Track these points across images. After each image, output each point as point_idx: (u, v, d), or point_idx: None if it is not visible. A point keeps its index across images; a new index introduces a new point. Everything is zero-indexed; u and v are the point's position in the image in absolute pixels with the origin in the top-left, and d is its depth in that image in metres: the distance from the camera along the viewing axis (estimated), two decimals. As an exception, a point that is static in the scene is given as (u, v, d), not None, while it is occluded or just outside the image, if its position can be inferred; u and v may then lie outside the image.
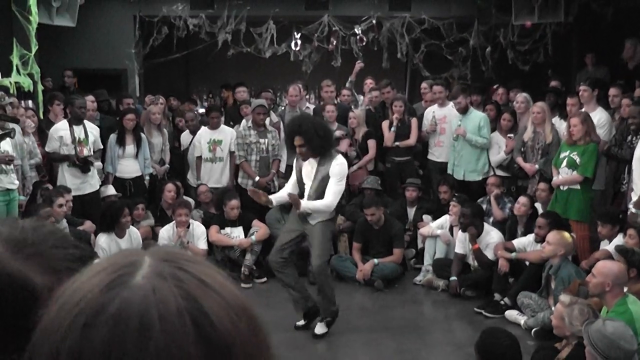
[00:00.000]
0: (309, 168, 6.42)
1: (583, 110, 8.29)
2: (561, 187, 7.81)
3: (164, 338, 0.69)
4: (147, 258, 0.77)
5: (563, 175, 7.78)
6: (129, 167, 9.03)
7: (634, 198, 7.17)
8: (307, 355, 6.18)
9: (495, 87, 10.98)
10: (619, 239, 6.94)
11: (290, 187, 6.65)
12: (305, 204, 6.28)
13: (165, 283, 0.73)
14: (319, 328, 6.57)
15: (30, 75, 8.99)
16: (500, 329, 4.45)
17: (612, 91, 8.76)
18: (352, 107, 10.26)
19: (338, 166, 6.32)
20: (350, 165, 9.50)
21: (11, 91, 8.50)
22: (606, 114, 8.48)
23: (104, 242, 7.34)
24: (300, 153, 6.39)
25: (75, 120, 8.26)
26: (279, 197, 6.71)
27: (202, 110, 12.06)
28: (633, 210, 7.08)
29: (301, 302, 6.69)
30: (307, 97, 11.19)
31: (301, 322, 6.76)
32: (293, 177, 6.69)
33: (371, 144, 9.52)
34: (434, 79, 11.00)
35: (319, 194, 6.32)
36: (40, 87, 9.26)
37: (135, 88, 12.09)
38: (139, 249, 0.82)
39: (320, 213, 6.33)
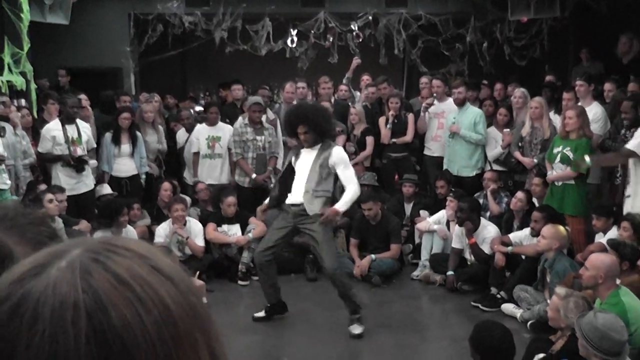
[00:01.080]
0: (307, 157, 6.44)
1: (579, 104, 8.31)
2: (556, 183, 7.82)
3: (52, 330, 0.68)
4: (76, 249, 0.76)
5: (557, 170, 7.79)
6: (125, 166, 9.01)
7: (628, 190, 7.21)
8: (304, 352, 6.18)
9: (484, 82, 11.01)
10: (613, 232, 6.96)
11: (277, 187, 6.69)
12: (340, 205, 6.28)
13: (71, 275, 0.72)
14: (356, 329, 6.46)
15: (23, 74, 8.95)
16: (493, 321, 4.46)
17: (607, 86, 8.82)
18: (350, 103, 10.27)
19: (339, 154, 6.40)
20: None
21: (3, 90, 8.45)
22: (601, 109, 8.51)
23: None
24: (304, 140, 6.41)
25: (67, 119, 8.22)
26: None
27: (199, 108, 12.08)
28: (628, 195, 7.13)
29: (271, 298, 6.85)
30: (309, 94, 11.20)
31: (261, 314, 6.88)
32: (275, 182, 6.73)
33: (369, 140, 9.53)
34: (432, 74, 11.03)
35: (317, 181, 6.34)
36: (33, 86, 9.23)
37: (130, 86, 12.07)
38: (82, 239, 0.81)
39: (347, 203, 6.33)
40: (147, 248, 0.80)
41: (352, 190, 6.32)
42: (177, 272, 0.79)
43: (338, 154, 6.38)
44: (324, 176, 6.37)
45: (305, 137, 6.38)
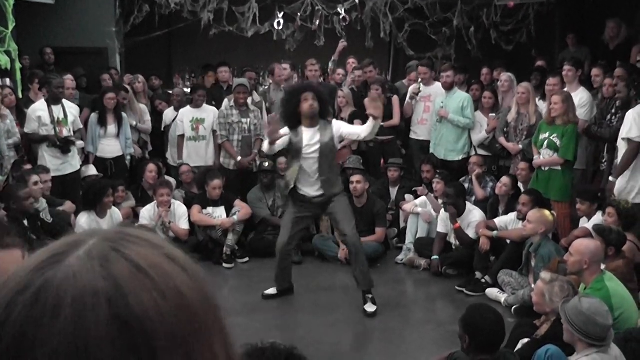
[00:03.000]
0: (310, 141, 6.44)
1: (565, 89, 8.31)
2: (542, 168, 7.84)
3: (74, 317, 0.69)
4: (93, 238, 0.78)
5: (544, 156, 7.81)
6: (110, 147, 8.97)
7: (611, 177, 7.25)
8: (288, 335, 6.18)
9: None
10: (598, 218, 7.00)
11: (281, 142, 6.55)
12: (367, 134, 6.38)
13: (91, 263, 0.74)
14: (370, 307, 6.61)
15: (8, 53, 8.85)
16: (487, 305, 4.48)
17: (595, 71, 8.82)
18: (342, 86, 10.24)
19: (336, 123, 6.76)
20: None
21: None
22: (588, 94, 8.52)
23: (84, 222, 7.25)
24: (310, 107, 6.36)
25: (53, 100, 8.15)
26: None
27: (185, 90, 12.01)
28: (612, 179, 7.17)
29: (284, 282, 7.05)
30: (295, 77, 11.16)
31: (272, 291, 7.07)
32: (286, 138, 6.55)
33: (356, 123, 9.47)
34: (419, 59, 11.00)
35: (329, 166, 6.51)
36: (18, 65, 9.13)
37: (116, 67, 11.98)
38: (96, 229, 0.83)
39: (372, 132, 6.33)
40: (159, 238, 0.83)
41: (365, 127, 6.41)
42: (190, 263, 0.82)
43: (336, 123, 6.67)
44: (332, 158, 6.57)
45: (312, 105, 6.36)
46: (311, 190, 6.54)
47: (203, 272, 0.84)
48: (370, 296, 6.67)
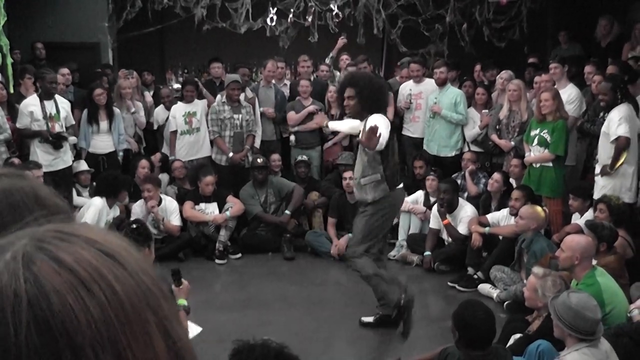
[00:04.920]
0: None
1: (554, 86, 8.36)
2: (534, 165, 7.86)
3: None
4: (23, 239, 0.76)
5: (535, 153, 7.83)
6: (102, 142, 8.94)
7: (597, 170, 7.28)
8: (280, 331, 6.17)
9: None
10: (589, 214, 7.04)
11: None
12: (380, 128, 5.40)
13: (14, 265, 0.72)
14: (366, 318, 6.27)
15: (-1, 47, 8.84)
16: (478, 301, 4.49)
17: (587, 68, 8.90)
18: (330, 82, 10.23)
19: (372, 120, 5.58)
20: (325, 140, 9.54)
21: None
22: (576, 90, 8.58)
23: (99, 202, 7.57)
24: (347, 106, 5.90)
25: (46, 95, 8.13)
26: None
27: (177, 86, 11.99)
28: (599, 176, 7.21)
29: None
30: (287, 73, 11.14)
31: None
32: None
33: (346, 119, 9.49)
34: (412, 55, 11.00)
35: (362, 169, 5.84)
36: (9, 60, 9.09)
37: (109, 62, 11.94)
38: (30, 230, 0.79)
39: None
40: (97, 231, 0.79)
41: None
42: (127, 253, 0.78)
43: (369, 122, 5.54)
44: (368, 160, 5.80)
45: (348, 103, 5.84)
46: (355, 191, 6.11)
47: (146, 261, 0.81)
48: (379, 313, 6.20)
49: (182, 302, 4.50)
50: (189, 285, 4.39)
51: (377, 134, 5.29)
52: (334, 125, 6.92)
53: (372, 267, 6.00)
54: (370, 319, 6.28)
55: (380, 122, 5.49)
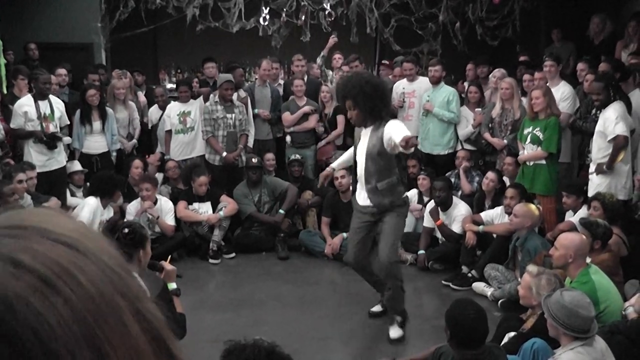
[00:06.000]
0: (362, 143, 5.73)
1: (547, 84, 8.37)
2: (527, 163, 7.87)
3: None
4: None
5: (528, 151, 7.84)
6: (96, 143, 8.94)
7: (592, 168, 7.28)
8: (275, 331, 6.16)
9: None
10: (583, 211, 7.04)
11: (346, 156, 6.20)
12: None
13: None
14: (394, 332, 5.97)
15: (-8, 48, 8.82)
16: (469, 300, 4.47)
17: (580, 66, 8.91)
18: (323, 81, 10.22)
19: (389, 126, 5.47)
20: (318, 140, 9.53)
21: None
22: (569, 87, 8.60)
23: (93, 202, 7.51)
24: (350, 117, 5.77)
25: (40, 95, 8.12)
26: (340, 161, 6.36)
27: (170, 86, 11.98)
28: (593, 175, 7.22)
29: (382, 288, 6.24)
30: (281, 73, 11.14)
31: (377, 309, 6.48)
32: (350, 150, 6.10)
33: (340, 119, 9.48)
34: (405, 54, 11.00)
35: (377, 175, 5.66)
36: (2, 61, 9.08)
37: (102, 63, 11.92)
38: None
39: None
40: (46, 217, 0.72)
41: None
42: (83, 237, 0.71)
43: (388, 128, 5.45)
44: (384, 165, 5.66)
45: (351, 115, 5.69)
46: (361, 199, 5.88)
47: (102, 237, 0.75)
48: (398, 318, 6.02)
49: (171, 285, 4.52)
50: (174, 268, 4.45)
51: (410, 136, 5.21)
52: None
53: (401, 274, 6.01)
54: (379, 308, 6.40)
55: (402, 127, 5.42)
